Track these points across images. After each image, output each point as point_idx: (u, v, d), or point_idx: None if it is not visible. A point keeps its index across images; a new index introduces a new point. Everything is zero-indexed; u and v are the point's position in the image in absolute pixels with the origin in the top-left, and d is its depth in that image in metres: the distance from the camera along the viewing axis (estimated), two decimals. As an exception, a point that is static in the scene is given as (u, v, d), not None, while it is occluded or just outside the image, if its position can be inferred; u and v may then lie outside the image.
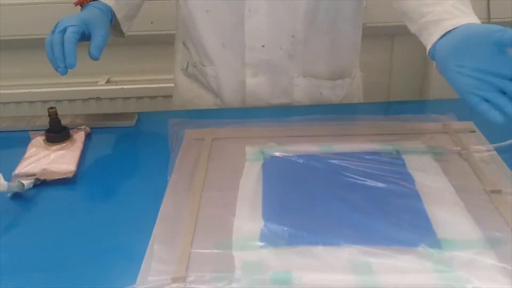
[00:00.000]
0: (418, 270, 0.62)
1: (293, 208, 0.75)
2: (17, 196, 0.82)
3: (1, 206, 0.80)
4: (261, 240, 0.68)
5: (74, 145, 0.94)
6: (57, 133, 0.95)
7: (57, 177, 0.85)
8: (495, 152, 0.87)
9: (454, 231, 0.69)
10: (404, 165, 0.84)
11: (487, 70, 0.71)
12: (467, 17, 0.80)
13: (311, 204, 0.76)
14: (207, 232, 0.71)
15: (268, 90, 1.10)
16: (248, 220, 0.72)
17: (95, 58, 0.89)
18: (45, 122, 0.97)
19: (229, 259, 0.65)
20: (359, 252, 0.65)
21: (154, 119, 1.08)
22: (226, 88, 1.11)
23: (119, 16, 1.01)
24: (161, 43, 1.68)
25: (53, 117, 0.95)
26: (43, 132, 0.96)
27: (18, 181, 0.82)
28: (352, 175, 0.81)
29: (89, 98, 1.66)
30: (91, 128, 1.01)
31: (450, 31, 0.79)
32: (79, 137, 0.97)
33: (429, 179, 0.80)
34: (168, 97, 1.67)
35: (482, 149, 0.87)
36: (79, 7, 0.98)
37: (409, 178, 0.80)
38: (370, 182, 0.79)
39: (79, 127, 1.00)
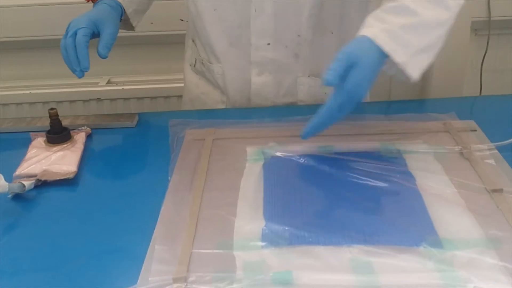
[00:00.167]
0: (419, 270, 0.62)
1: (294, 208, 0.75)
2: (18, 197, 0.82)
3: (2, 207, 0.80)
4: (262, 240, 0.68)
5: (75, 146, 0.94)
6: (58, 134, 0.95)
7: (58, 178, 0.85)
8: (496, 151, 0.87)
9: (456, 231, 0.69)
10: (405, 164, 0.84)
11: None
12: (370, 28, 0.83)
13: (312, 204, 0.76)
14: (208, 232, 0.71)
15: (273, 89, 1.11)
16: (249, 220, 0.72)
17: (104, 57, 0.95)
18: (45, 123, 0.97)
19: (230, 259, 0.65)
20: (360, 252, 0.65)
21: (155, 119, 1.08)
22: (232, 86, 1.12)
23: (128, 11, 1.06)
24: (161, 44, 1.69)
25: (54, 118, 0.95)
26: (44, 133, 0.96)
27: (19, 182, 0.82)
28: (353, 175, 0.81)
29: (90, 99, 1.66)
30: (91, 129, 1.01)
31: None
32: (79, 138, 0.97)
33: (430, 178, 0.80)
34: (169, 97, 1.67)
35: (483, 148, 0.87)
36: (91, 3, 1.04)
37: (410, 178, 0.80)
38: (371, 182, 0.79)
39: (80, 128, 1.00)
